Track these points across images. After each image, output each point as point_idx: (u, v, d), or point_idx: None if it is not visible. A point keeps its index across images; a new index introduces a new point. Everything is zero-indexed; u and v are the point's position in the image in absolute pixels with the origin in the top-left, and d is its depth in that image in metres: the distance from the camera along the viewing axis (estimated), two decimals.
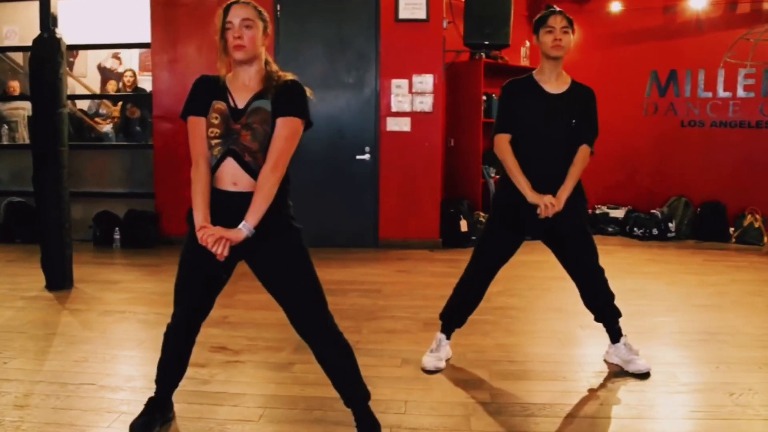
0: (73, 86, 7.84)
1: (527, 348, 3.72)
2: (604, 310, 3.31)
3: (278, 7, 6.49)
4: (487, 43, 6.61)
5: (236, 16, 2.35)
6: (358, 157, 6.62)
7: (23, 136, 8.24)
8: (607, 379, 3.20)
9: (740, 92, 7.36)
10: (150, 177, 6.93)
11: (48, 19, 4.73)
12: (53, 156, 4.78)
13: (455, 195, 7.10)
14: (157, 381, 2.61)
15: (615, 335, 3.33)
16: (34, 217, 6.91)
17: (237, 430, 2.64)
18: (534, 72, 3.20)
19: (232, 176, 2.33)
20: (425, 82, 6.49)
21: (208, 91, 2.41)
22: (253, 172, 2.32)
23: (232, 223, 2.28)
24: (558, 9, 3.13)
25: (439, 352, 3.35)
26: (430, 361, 3.30)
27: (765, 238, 7.01)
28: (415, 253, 6.43)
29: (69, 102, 7.20)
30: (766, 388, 3.08)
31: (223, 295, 2.59)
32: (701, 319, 4.26)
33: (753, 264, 6.08)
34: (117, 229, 6.69)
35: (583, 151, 3.15)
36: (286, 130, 2.33)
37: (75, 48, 7.96)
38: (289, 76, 2.44)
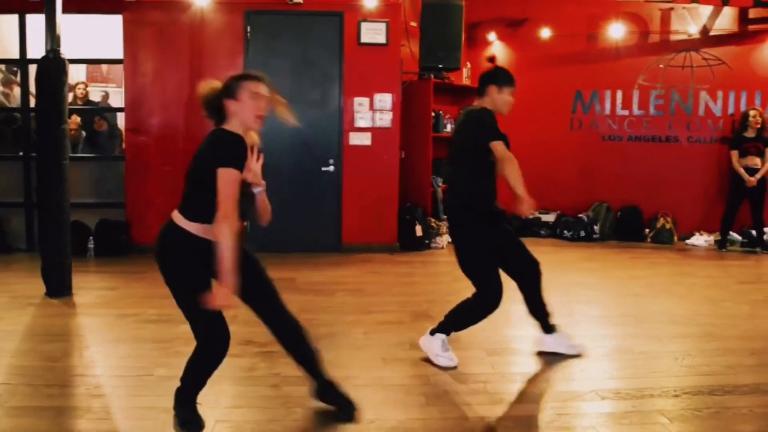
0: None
1: (500, 332, 4.40)
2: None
3: (248, 29, 6.95)
4: (440, 66, 7.32)
5: (266, 90, 2.77)
6: (323, 168, 7.16)
7: None
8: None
9: (652, 111, 8.44)
10: (119, 187, 7.19)
11: (53, 39, 5.01)
12: (57, 168, 5.06)
13: (407, 203, 7.76)
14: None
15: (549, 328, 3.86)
16: (1, 227, 7.07)
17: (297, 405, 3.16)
18: (487, 106, 3.63)
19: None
20: (384, 100, 7.13)
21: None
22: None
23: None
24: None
25: (451, 351, 3.73)
26: (445, 360, 3.69)
27: (675, 238, 8.08)
28: (377, 256, 7.03)
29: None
30: (700, 353, 3.91)
31: None
32: (639, 305, 5.12)
33: (670, 260, 7.09)
34: (90, 238, 6.92)
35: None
36: (219, 181, 2.54)
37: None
38: None
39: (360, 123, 7.15)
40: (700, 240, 8.03)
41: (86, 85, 8.13)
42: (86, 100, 7.91)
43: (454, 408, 3.12)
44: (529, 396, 3.30)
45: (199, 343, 2.72)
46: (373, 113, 7.15)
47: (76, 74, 8.73)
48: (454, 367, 3.61)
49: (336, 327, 4.41)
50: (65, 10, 5.14)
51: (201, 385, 2.82)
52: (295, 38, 7.03)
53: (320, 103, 7.14)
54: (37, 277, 5.27)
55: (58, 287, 5.20)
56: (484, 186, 3.64)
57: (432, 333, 3.76)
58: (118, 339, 4.19)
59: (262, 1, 6.91)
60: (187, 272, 2.66)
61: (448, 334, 3.74)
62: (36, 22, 6.81)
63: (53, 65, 5.01)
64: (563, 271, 6.31)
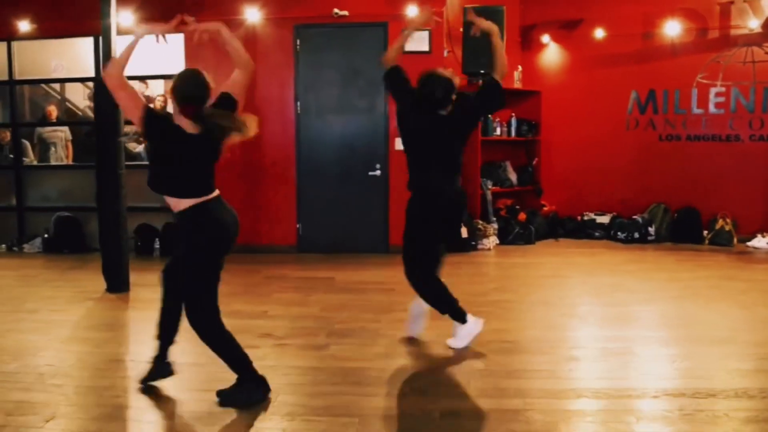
0: None
1: (516, 332, 4.53)
2: None
3: (297, 42, 7.36)
4: (482, 71, 7.44)
5: None
6: (369, 173, 7.46)
7: (61, 156, 9.10)
8: (583, 352, 4.02)
9: (712, 109, 8.20)
10: None
11: (108, 58, 5.56)
12: (113, 177, 5.62)
13: None
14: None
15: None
16: (80, 229, 7.82)
17: (292, 392, 3.45)
18: None
19: None
20: None
21: None
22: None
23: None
24: None
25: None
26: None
27: (735, 240, 7.82)
28: None
29: None
30: (702, 356, 3.90)
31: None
32: (661, 307, 5.09)
33: (719, 262, 6.90)
34: (156, 239, 7.53)
35: None
36: None
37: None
38: None
39: None
40: (762, 242, 7.73)
41: (165, 98, 8.82)
42: (165, 111, 8.58)
43: (430, 400, 3.32)
44: (507, 391, 3.44)
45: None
46: None
47: (156, 88, 9.50)
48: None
49: (352, 323, 4.68)
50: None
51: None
52: (341, 49, 7.37)
53: (367, 110, 7.44)
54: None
55: (117, 284, 5.76)
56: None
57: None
58: None
59: (309, 15, 7.29)
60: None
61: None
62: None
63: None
64: (602, 272, 6.31)
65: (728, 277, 6.16)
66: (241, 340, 4.11)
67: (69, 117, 9.61)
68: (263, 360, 3.91)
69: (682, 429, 2.96)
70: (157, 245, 7.54)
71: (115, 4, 5.63)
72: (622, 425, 3.00)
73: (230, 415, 3.15)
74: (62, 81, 8.76)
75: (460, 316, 4.12)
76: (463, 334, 4.11)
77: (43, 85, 9.53)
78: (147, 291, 5.81)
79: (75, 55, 8.13)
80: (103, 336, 4.52)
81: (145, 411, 3.27)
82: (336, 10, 7.19)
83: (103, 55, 5.64)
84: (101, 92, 5.63)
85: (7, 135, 8.46)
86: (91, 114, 8.60)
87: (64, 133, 9.20)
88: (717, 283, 5.90)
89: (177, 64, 7.63)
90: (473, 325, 4.13)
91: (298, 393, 3.45)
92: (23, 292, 5.83)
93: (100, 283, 5.84)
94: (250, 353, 3.96)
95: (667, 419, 3.06)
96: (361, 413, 3.15)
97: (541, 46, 8.78)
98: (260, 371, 3.71)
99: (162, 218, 7.68)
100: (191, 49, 7.48)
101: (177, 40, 7.55)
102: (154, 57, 7.88)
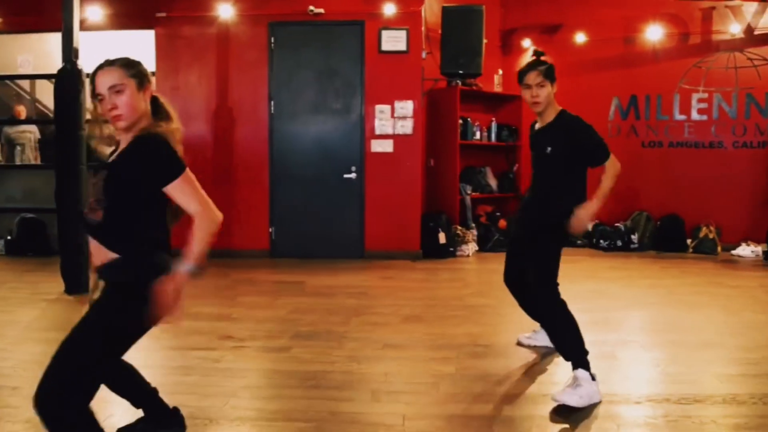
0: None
1: (491, 336, 4.29)
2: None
3: (272, 40, 7.13)
4: (461, 72, 7.26)
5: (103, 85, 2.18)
6: (345, 175, 7.22)
7: (29, 157, 8.80)
8: (561, 357, 3.78)
9: (694, 115, 8.07)
10: None
11: (70, 51, 5.31)
12: (74, 173, 5.34)
13: (434, 210, 7.69)
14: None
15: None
16: (45, 231, 7.50)
17: (245, 395, 3.18)
18: None
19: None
20: (406, 107, 7.13)
21: None
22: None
23: None
24: (534, 61, 3.42)
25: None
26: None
27: (719, 248, 7.66)
28: (398, 263, 7.00)
29: None
30: (688, 361, 3.68)
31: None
32: (647, 313, 4.89)
33: (704, 270, 6.72)
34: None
35: (603, 170, 3.39)
36: None
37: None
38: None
39: (381, 130, 7.18)
40: (747, 251, 7.56)
41: None
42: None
43: (394, 405, 3.06)
44: (480, 396, 3.19)
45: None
46: (394, 120, 7.17)
47: None
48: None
49: (318, 326, 4.42)
50: (105, 27, 5.44)
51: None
52: (317, 48, 7.15)
53: (342, 111, 7.22)
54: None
55: (75, 285, 5.45)
56: None
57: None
58: None
59: (284, 12, 7.08)
60: None
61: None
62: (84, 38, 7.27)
63: (70, 76, 5.30)
64: (584, 279, 6.09)
65: (713, 283, 5.97)
66: (200, 342, 3.88)
67: (39, 117, 9.32)
68: (219, 362, 3.65)
69: None
70: None
71: None
72: None
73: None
74: (28, 77, 8.46)
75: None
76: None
77: (12, 84, 9.26)
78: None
79: (43, 51, 7.86)
80: (59, 336, 4.21)
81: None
82: (311, 8, 6.98)
83: (66, 46, 5.36)
84: (62, 86, 5.35)
85: None
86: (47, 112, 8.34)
87: (33, 133, 8.91)
88: (702, 289, 5.70)
89: (148, 63, 7.40)
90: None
91: (253, 397, 3.18)
92: None
93: (58, 285, 5.54)
94: (207, 355, 3.72)
95: (651, 425, 2.82)
96: (318, 418, 2.88)
97: (522, 51, 8.63)
98: (215, 374, 3.47)
99: None
100: (163, 46, 7.24)
101: (148, 37, 7.32)
102: (123, 53, 7.72)
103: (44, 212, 7.58)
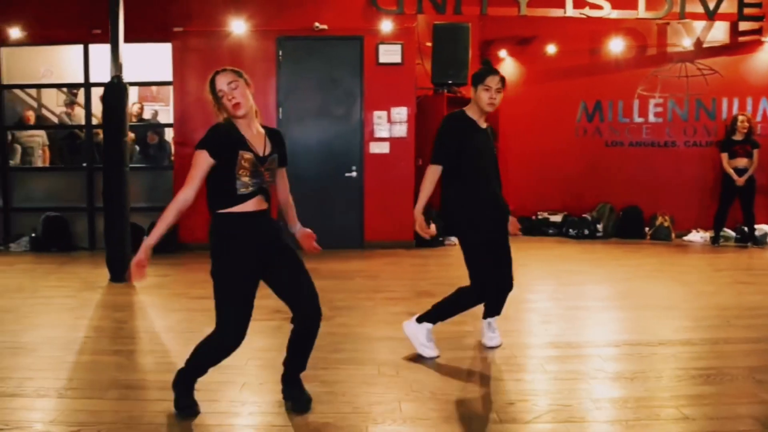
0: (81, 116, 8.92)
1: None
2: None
3: (280, 53, 7.93)
4: (450, 82, 8.17)
5: (222, 83, 2.88)
6: (346, 174, 8.07)
7: (41, 160, 9.38)
8: (544, 318, 4.71)
9: (651, 118, 9.14)
10: (168, 193, 8.17)
11: (117, 67, 6.03)
12: (119, 175, 6.06)
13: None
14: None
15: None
16: (68, 229, 8.15)
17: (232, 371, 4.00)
18: (466, 109, 3.74)
19: (258, 204, 2.92)
20: (401, 113, 8.02)
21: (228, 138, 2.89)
22: (269, 196, 3.01)
23: (264, 232, 2.94)
24: (493, 68, 3.71)
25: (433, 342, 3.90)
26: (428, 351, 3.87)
27: (673, 235, 8.74)
28: (395, 251, 7.87)
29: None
30: (653, 317, 4.66)
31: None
32: (623, 287, 5.86)
33: (660, 253, 7.78)
34: (144, 237, 7.91)
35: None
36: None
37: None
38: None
39: (379, 133, 8.05)
40: (696, 236, 8.66)
41: (141, 105, 9.24)
42: (140, 117, 9.00)
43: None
44: (474, 343, 4.08)
45: (216, 330, 2.91)
46: (390, 125, 8.04)
47: (131, 95, 9.86)
48: (436, 357, 3.81)
49: (350, 301, 5.27)
50: (124, 41, 6.16)
51: (202, 371, 3.01)
52: (320, 60, 7.98)
53: (344, 116, 8.07)
54: (100, 269, 6.28)
55: (120, 274, 6.16)
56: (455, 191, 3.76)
57: (419, 320, 3.88)
58: (172, 309, 5.15)
59: (291, 28, 7.88)
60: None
61: (434, 323, 3.89)
62: (96, 50, 7.93)
63: (117, 89, 6.03)
64: (559, 261, 7.07)
65: (669, 263, 7.02)
66: (257, 314, 4.62)
67: (43, 122, 9.88)
68: (281, 329, 4.46)
69: (638, 367, 3.66)
70: None
71: (122, 13, 6.06)
72: (581, 366, 3.68)
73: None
74: (52, 86, 9.04)
75: (432, 319, 3.91)
76: (418, 336, 3.89)
77: (18, 91, 9.79)
78: (147, 280, 6.23)
79: (63, 62, 8.49)
80: (125, 315, 4.97)
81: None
82: (316, 24, 7.81)
83: (114, 62, 6.07)
84: (110, 95, 6.07)
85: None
86: (67, 120, 8.95)
87: (41, 138, 9.48)
88: (660, 267, 6.74)
89: (160, 72, 8.11)
90: (428, 346, 3.87)
91: (317, 349, 4.00)
92: (31, 283, 6.18)
93: (101, 276, 6.23)
94: (264, 325, 4.52)
95: (627, 358, 3.76)
96: (374, 362, 3.75)
97: (499, 60, 9.56)
98: (282, 336, 4.28)
99: (148, 218, 8.07)
100: (179, 59, 7.96)
101: (165, 49, 8.03)
102: (140, 64, 8.40)
103: (66, 210, 8.25)
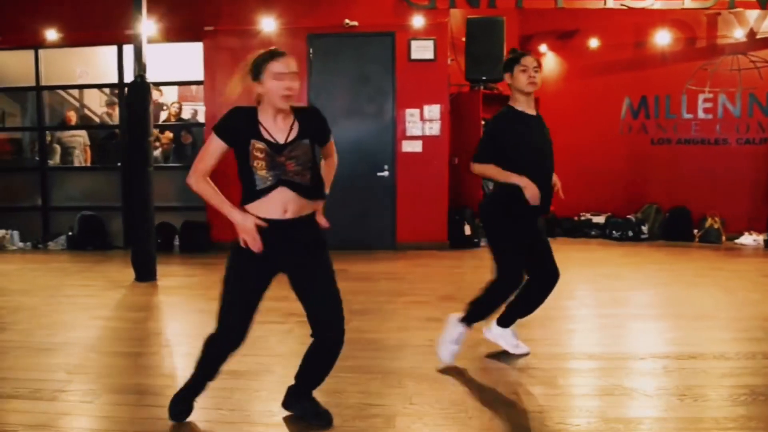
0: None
1: None
2: None
3: (310, 50, 7.83)
4: (484, 78, 7.91)
5: (288, 67, 2.60)
6: (378, 173, 7.91)
7: (80, 160, 9.53)
8: (580, 325, 4.45)
9: (700, 114, 8.68)
10: None
11: (140, 66, 6.02)
12: (143, 175, 6.05)
13: (459, 204, 8.36)
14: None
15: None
16: (103, 228, 8.24)
17: (254, 370, 3.85)
18: (511, 103, 3.57)
19: (284, 203, 2.66)
20: (434, 111, 7.81)
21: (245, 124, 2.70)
22: (304, 188, 2.69)
23: (285, 245, 2.69)
24: (528, 51, 3.65)
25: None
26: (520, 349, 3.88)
27: (723, 238, 8.27)
28: (428, 252, 7.67)
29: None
30: (690, 328, 4.34)
31: (279, 281, 2.75)
32: (652, 290, 5.55)
33: (706, 256, 7.35)
34: (176, 236, 7.95)
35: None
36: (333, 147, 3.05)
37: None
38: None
39: (411, 132, 7.86)
40: (749, 239, 8.18)
41: (180, 104, 9.29)
42: (178, 117, 9.05)
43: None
44: (511, 356, 3.86)
45: (215, 329, 2.79)
46: (423, 123, 7.84)
47: (171, 95, 9.94)
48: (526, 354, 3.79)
49: (369, 305, 5.11)
50: (157, 40, 6.14)
51: (209, 371, 2.88)
52: (351, 57, 7.84)
53: (375, 115, 7.91)
54: (130, 268, 6.27)
55: (145, 273, 6.17)
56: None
57: (498, 323, 3.84)
58: (190, 310, 5.08)
59: (321, 25, 7.77)
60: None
61: (506, 326, 3.83)
62: (130, 51, 7.98)
63: (140, 88, 6.01)
64: (598, 265, 6.75)
65: (715, 268, 6.61)
66: (270, 317, 4.53)
67: (86, 123, 10.05)
68: (291, 332, 4.34)
69: (668, 382, 3.38)
70: (176, 242, 7.96)
71: (145, 13, 6.05)
72: (612, 379, 3.42)
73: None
74: (86, 87, 9.19)
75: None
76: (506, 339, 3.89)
77: (61, 92, 9.97)
78: (172, 280, 6.26)
79: (98, 63, 8.60)
80: (140, 315, 4.93)
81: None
82: (347, 21, 7.67)
83: (137, 61, 6.06)
84: (133, 95, 6.07)
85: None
86: (108, 120, 9.06)
87: (83, 137, 9.64)
88: (704, 272, 6.34)
89: (196, 71, 8.11)
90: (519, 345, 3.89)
91: None
92: (58, 281, 6.24)
93: (129, 275, 6.25)
94: (279, 328, 4.41)
95: (652, 374, 3.48)
96: (380, 371, 3.58)
97: (539, 56, 9.24)
98: (291, 340, 4.15)
99: (181, 217, 8.11)
100: (210, 58, 7.94)
101: (196, 48, 8.03)
102: (171, 64, 8.43)
103: (102, 210, 8.35)
